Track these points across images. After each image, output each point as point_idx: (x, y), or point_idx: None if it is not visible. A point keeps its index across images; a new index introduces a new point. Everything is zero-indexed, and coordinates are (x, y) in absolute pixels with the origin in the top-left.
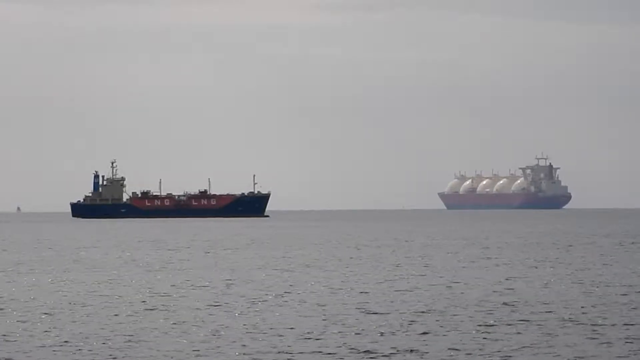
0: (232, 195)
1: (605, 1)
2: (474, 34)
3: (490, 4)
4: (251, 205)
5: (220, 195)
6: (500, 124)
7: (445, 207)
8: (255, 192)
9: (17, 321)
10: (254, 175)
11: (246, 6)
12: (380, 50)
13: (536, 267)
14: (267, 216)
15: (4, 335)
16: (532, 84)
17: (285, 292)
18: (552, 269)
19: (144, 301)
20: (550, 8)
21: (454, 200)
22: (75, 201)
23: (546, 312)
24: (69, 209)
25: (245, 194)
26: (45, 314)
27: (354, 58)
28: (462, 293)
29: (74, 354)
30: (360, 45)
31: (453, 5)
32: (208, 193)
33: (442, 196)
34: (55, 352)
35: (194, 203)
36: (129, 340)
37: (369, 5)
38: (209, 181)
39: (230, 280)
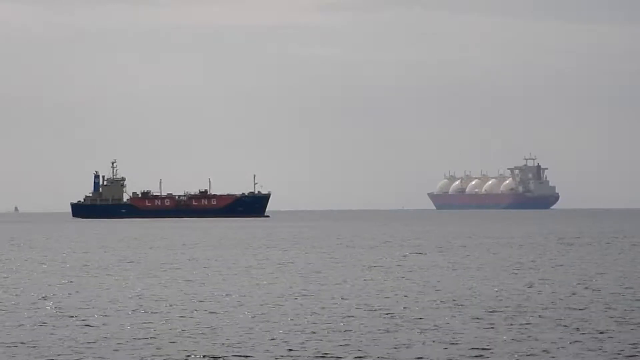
0: (233, 195)
1: (605, 1)
2: (474, 34)
3: (490, 4)
4: (251, 205)
5: (221, 196)
6: (491, 125)
7: (434, 207)
8: (256, 192)
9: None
10: (254, 175)
11: (246, 6)
12: (380, 51)
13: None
14: (268, 216)
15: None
16: (528, 84)
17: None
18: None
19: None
20: (550, 8)
21: (443, 201)
22: (75, 201)
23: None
24: (69, 209)
25: (246, 194)
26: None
27: (354, 58)
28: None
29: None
30: (360, 45)
31: (452, 5)
32: (208, 193)
33: (432, 196)
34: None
35: (194, 203)
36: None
37: (369, 5)
38: (210, 181)
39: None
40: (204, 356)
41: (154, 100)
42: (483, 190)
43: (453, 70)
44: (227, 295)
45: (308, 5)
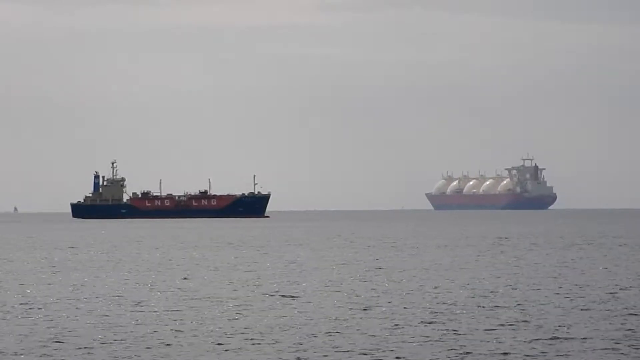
0: (233, 195)
1: (605, 1)
2: (474, 34)
3: (490, 4)
4: (251, 205)
5: (221, 196)
6: (489, 125)
7: (432, 208)
8: (256, 192)
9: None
10: (254, 176)
11: (246, 6)
12: (380, 51)
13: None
14: (268, 216)
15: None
16: (527, 84)
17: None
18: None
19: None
20: (550, 8)
21: (441, 201)
22: (75, 201)
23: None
24: (69, 209)
25: (246, 194)
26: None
27: (354, 58)
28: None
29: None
30: (360, 45)
31: (452, 5)
32: (208, 193)
33: (430, 197)
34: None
35: (194, 203)
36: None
37: (369, 5)
38: (209, 181)
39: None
40: None
41: (154, 100)
42: (481, 190)
43: (453, 70)
44: (204, 298)
45: (308, 5)
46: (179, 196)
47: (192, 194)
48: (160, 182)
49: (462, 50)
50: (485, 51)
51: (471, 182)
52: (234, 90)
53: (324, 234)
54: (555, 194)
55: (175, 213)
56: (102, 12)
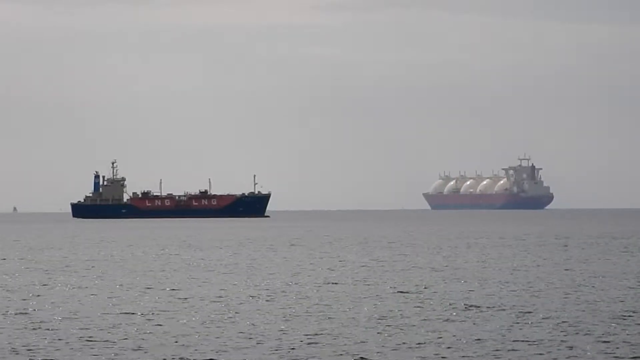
0: (233, 195)
1: (605, 1)
2: (474, 34)
3: (490, 4)
4: (252, 205)
5: (221, 196)
6: (486, 125)
7: (429, 207)
8: (256, 192)
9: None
10: (255, 176)
11: (246, 6)
12: (380, 51)
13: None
14: (268, 216)
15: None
16: (525, 84)
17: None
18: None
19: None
20: (550, 8)
21: (438, 201)
22: (75, 201)
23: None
24: (69, 209)
25: (246, 194)
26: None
27: (353, 58)
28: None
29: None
30: (360, 45)
31: (452, 5)
32: (208, 193)
33: (427, 196)
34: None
35: (194, 203)
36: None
37: (368, 5)
38: (210, 181)
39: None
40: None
41: (153, 100)
42: (478, 190)
43: (452, 70)
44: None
45: (308, 5)
46: (179, 196)
47: (192, 194)
48: (161, 182)
49: (461, 50)
50: (485, 51)
51: (468, 182)
52: (234, 90)
53: (316, 234)
54: (552, 193)
55: (175, 213)
56: (102, 12)
